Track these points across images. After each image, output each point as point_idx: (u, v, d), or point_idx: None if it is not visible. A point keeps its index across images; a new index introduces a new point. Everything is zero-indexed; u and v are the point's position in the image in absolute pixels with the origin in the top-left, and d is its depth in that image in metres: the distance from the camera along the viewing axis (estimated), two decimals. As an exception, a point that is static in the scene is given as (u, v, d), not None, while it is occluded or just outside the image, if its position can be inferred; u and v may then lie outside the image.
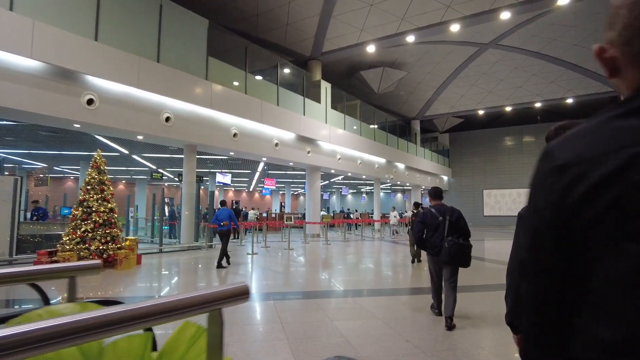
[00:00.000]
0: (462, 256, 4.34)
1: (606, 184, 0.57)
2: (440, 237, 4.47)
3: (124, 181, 30.02)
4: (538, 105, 25.37)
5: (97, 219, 7.70)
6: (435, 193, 4.89)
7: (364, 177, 22.62)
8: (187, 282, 7.22)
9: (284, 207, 36.07)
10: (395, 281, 7.88)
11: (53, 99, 8.29)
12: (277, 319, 4.64)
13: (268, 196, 38.65)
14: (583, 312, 0.62)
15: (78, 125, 9.42)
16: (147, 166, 19.93)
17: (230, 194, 37.99)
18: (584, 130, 0.64)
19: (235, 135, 12.68)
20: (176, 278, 7.74)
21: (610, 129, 0.61)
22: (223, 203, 9.83)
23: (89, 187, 7.92)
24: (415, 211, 9.93)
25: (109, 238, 7.80)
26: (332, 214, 29.12)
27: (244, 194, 39.24)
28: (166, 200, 16.32)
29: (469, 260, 4.38)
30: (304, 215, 27.08)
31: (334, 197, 43.96)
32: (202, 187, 19.69)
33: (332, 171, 19.46)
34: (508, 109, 26.65)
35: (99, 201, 7.87)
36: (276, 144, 14.36)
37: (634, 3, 0.61)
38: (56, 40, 8.14)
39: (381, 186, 34.82)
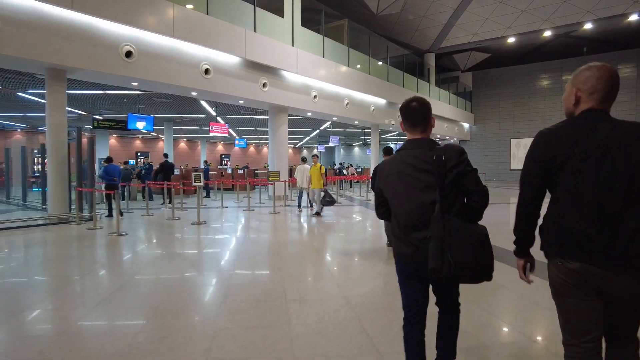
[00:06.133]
0: None
1: (564, 156, 1.52)
2: None
3: (115, 135, 26.53)
4: (588, 27, 19.49)
5: None
6: (387, 150, 6.13)
7: (356, 122, 18.13)
8: None
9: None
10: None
11: None
12: None
13: (266, 150, 34.74)
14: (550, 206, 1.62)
15: None
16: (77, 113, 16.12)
17: (220, 147, 34.12)
18: (559, 129, 1.59)
19: (129, 54, 8.54)
20: None
21: (568, 134, 1.54)
22: (109, 160, 10.09)
23: None
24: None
25: None
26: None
27: (236, 148, 35.10)
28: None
29: None
30: (244, 169, 22.25)
31: (336, 150, 39.68)
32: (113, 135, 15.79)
33: (309, 114, 15.10)
34: (547, 34, 20.90)
35: None
36: (206, 70, 10.13)
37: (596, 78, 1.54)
38: None
39: (386, 135, 30.20)
